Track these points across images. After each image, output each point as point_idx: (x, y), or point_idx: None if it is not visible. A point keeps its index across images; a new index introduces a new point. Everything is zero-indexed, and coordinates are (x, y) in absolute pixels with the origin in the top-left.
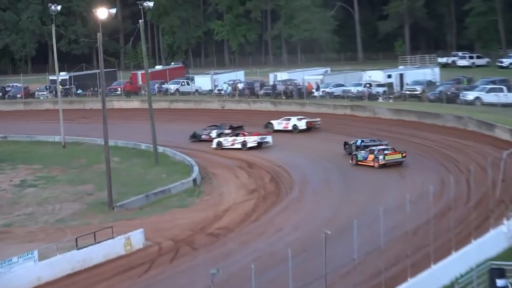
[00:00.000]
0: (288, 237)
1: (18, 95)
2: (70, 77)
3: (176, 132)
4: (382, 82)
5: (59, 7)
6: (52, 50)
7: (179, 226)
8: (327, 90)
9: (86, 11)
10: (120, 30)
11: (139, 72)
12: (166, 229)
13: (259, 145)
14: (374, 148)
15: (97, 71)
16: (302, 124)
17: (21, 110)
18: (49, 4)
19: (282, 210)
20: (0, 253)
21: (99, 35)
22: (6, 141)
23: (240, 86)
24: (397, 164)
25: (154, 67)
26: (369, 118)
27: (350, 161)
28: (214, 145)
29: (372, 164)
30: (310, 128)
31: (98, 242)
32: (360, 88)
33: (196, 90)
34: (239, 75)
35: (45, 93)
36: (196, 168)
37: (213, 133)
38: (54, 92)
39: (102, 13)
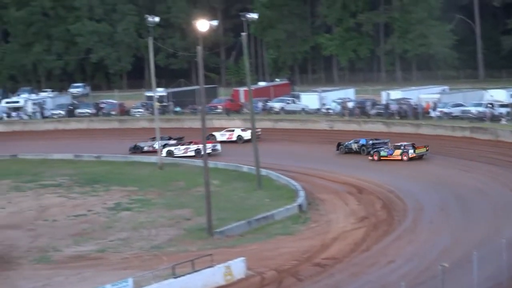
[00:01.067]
0: (401, 269)
1: (113, 112)
2: (168, 93)
3: (280, 154)
4: (506, 102)
5: (157, 19)
6: (149, 65)
7: (283, 255)
8: (445, 110)
9: (185, 23)
10: (221, 43)
11: (241, 89)
12: (269, 258)
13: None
14: (398, 144)
15: (197, 87)
16: (247, 135)
17: (115, 128)
18: (146, 16)
19: (394, 239)
20: (93, 280)
21: (199, 48)
22: (100, 161)
23: (350, 105)
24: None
25: (257, 83)
26: (490, 141)
27: (370, 158)
28: (164, 154)
29: (399, 158)
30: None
31: (197, 271)
32: (481, 109)
33: (303, 109)
34: (348, 93)
35: (141, 110)
36: (302, 193)
37: (156, 144)
38: (150, 110)
39: (203, 25)
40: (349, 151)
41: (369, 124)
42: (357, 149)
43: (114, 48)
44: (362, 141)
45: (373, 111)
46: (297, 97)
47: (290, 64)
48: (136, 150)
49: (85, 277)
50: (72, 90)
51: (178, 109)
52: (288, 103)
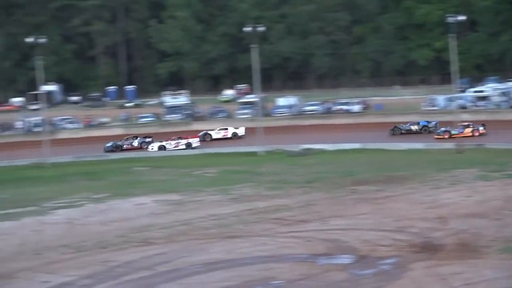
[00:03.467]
0: None
1: None
2: None
3: None
4: None
5: None
6: None
7: None
8: None
9: None
10: None
11: None
12: None
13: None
14: (466, 123)
15: None
16: (241, 131)
17: None
18: None
19: None
20: None
21: None
22: None
23: None
24: None
25: None
26: None
27: (439, 137)
28: (155, 148)
29: (470, 135)
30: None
31: None
32: None
33: None
34: None
35: None
36: None
37: (135, 142)
38: None
39: None
40: (407, 132)
41: None
42: (418, 130)
43: None
44: (423, 123)
45: None
46: None
47: None
48: (116, 148)
49: None
50: None
51: None
52: None
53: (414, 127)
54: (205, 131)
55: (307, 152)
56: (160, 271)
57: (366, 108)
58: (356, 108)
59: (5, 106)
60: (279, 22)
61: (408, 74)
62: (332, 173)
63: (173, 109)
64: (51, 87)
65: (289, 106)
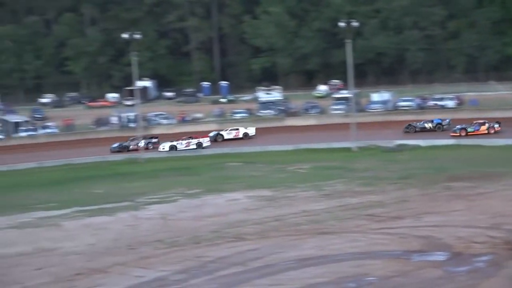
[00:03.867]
0: None
1: None
2: None
3: None
4: None
5: None
6: None
7: None
8: None
9: None
10: None
11: None
12: None
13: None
14: (481, 121)
15: None
16: (252, 131)
17: None
18: None
19: None
20: None
21: None
22: None
23: None
24: None
25: None
26: None
27: (455, 134)
28: (166, 148)
29: (486, 132)
30: None
31: None
32: None
33: None
34: None
35: None
36: None
37: (142, 143)
38: None
39: None
40: (422, 130)
41: None
42: (432, 128)
43: None
44: (437, 120)
45: None
46: None
47: None
48: (122, 149)
49: None
50: None
51: None
52: None
53: (428, 125)
54: (216, 132)
55: (401, 148)
56: (253, 267)
57: (461, 103)
58: (450, 103)
59: (101, 101)
60: (373, 17)
61: (503, 70)
62: (426, 169)
63: (266, 104)
64: (146, 83)
65: (383, 102)
